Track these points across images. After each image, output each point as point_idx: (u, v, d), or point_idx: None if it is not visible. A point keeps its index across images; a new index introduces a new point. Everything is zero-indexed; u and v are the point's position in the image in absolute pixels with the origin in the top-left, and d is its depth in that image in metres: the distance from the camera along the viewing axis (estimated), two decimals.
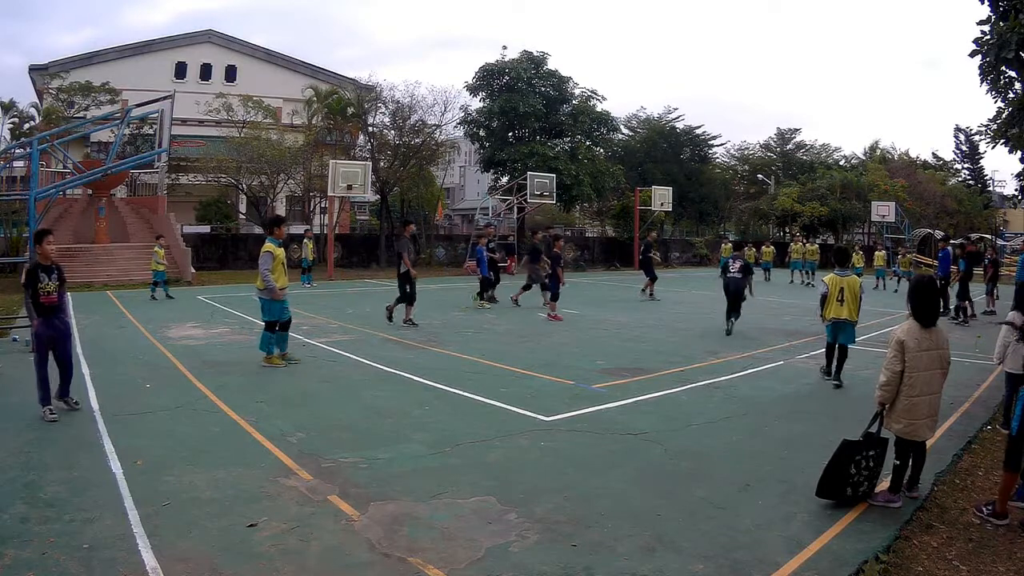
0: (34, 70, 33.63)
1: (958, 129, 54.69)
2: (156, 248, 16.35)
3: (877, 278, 22.76)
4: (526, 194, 27.62)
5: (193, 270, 21.40)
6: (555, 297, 13.24)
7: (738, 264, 11.80)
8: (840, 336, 7.68)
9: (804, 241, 27.37)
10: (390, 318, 12.00)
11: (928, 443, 4.64)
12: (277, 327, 8.39)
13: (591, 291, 19.45)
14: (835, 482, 4.25)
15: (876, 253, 24.16)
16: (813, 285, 23.08)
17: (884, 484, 4.47)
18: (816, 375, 8.30)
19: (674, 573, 3.45)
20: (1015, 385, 4.92)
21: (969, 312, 14.06)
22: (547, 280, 13.72)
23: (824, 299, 7.68)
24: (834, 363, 7.82)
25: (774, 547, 3.74)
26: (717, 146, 46.35)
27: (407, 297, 11.77)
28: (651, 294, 17.30)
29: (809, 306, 16.59)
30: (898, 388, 4.28)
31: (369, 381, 7.73)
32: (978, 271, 21.53)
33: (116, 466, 4.76)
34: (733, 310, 11.64)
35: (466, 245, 30.61)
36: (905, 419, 4.29)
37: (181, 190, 29.80)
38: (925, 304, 4.34)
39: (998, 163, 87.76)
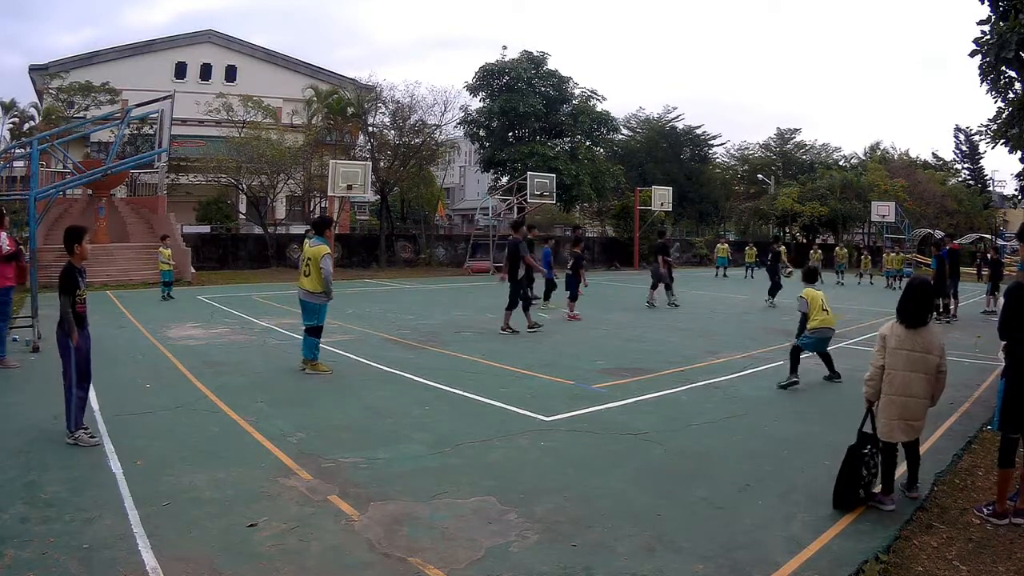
0: (34, 70, 33.62)
1: (958, 129, 54.77)
2: (161, 248, 16.21)
3: (887, 278, 22.84)
4: (526, 194, 27.62)
5: (193, 270, 21.41)
6: (574, 297, 13.47)
7: (770, 256, 17.05)
8: (824, 345, 7.91)
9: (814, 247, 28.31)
10: (529, 325, 11.35)
11: (927, 443, 4.63)
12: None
13: (591, 291, 19.43)
14: (850, 488, 4.22)
15: (887, 256, 24.33)
16: (843, 284, 24.32)
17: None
18: (816, 376, 8.30)
19: (674, 573, 3.45)
20: None
21: (943, 311, 14.12)
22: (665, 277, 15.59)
23: (805, 316, 7.81)
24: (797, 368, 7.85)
25: (774, 547, 3.74)
26: (717, 146, 46.47)
27: (527, 302, 11.45)
28: (651, 300, 16.26)
29: None
30: (879, 383, 4.29)
31: (369, 381, 7.73)
32: (969, 270, 21.57)
33: (116, 466, 4.76)
34: (773, 288, 16.16)
35: (466, 245, 30.63)
36: (883, 417, 4.28)
37: (181, 190, 29.79)
38: (908, 304, 4.30)
39: (998, 163, 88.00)
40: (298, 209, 33.31)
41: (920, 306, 4.29)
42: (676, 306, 15.30)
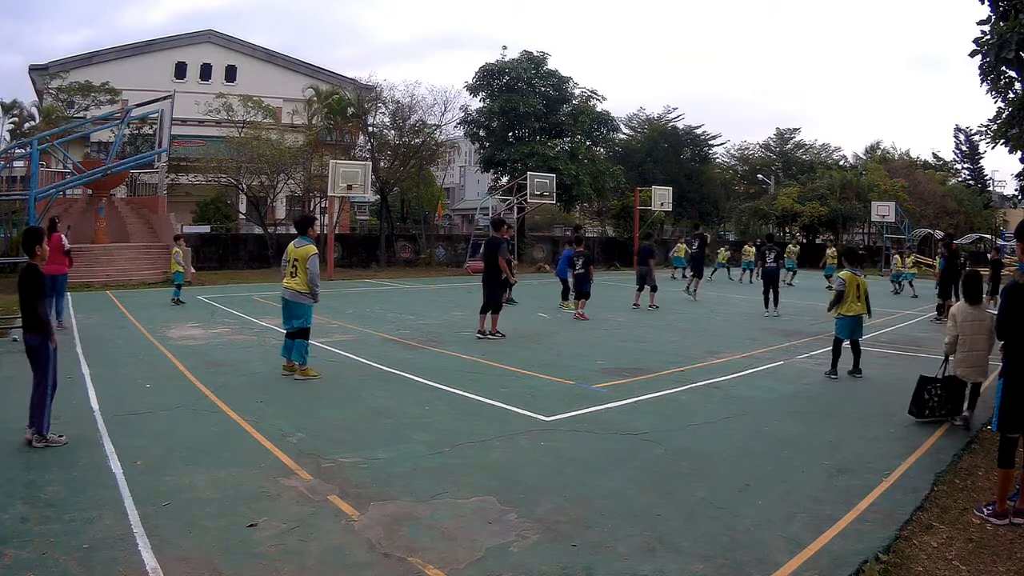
0: (34, 70, 33.58)
1: (958, 129, 54.76)
2: (176, 248, 15.64)
3: (893, 282, 21.94)
4: (526, 194, 27.61)
5: (193, 270, 21.40)
6: (586, 295, 13.52)
7: (772, 255, 14.61)
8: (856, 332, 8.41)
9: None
10: (490, 333, 10.72)
11: (928, 443, 5.38)
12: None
13: (591, 291, 19.48)
14: (919, 402, 6.15)
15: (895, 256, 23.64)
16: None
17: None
18: (816, 376, 8.30)
19: (674, 573, 3.45)
20: None
21: (945, 311, 14.00)
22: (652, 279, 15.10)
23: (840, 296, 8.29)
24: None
25: (774, 547, 3.74)
26: (717, 146, 46.43)
27: (498, 305, 10.86)
28: (695, 291, 17.65)
29: (805, 305, 16.59)
30: (955, 345, 5.95)
31: (369, 381, 7.73)
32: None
33: (116, 466, 4.76)
34: (773, 296, 14.11)
35: (466, 245, 30.61)
36: (962, 367, 6.00)
37: (181, 190, 29.78)
38: (970, 289, 6.09)
39: (998, 163, 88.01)
40: (298, 209, 33.26)
41: (977, 289, 6.10)
42: (656, 307, 15.17)
